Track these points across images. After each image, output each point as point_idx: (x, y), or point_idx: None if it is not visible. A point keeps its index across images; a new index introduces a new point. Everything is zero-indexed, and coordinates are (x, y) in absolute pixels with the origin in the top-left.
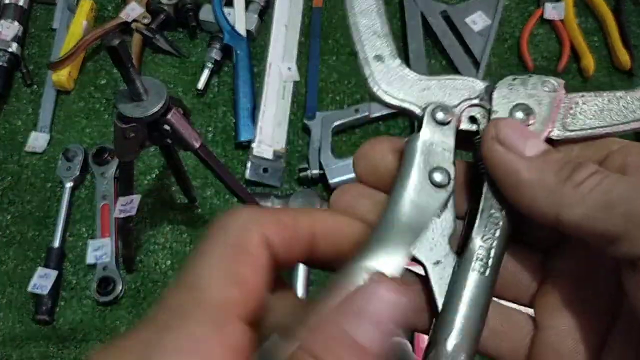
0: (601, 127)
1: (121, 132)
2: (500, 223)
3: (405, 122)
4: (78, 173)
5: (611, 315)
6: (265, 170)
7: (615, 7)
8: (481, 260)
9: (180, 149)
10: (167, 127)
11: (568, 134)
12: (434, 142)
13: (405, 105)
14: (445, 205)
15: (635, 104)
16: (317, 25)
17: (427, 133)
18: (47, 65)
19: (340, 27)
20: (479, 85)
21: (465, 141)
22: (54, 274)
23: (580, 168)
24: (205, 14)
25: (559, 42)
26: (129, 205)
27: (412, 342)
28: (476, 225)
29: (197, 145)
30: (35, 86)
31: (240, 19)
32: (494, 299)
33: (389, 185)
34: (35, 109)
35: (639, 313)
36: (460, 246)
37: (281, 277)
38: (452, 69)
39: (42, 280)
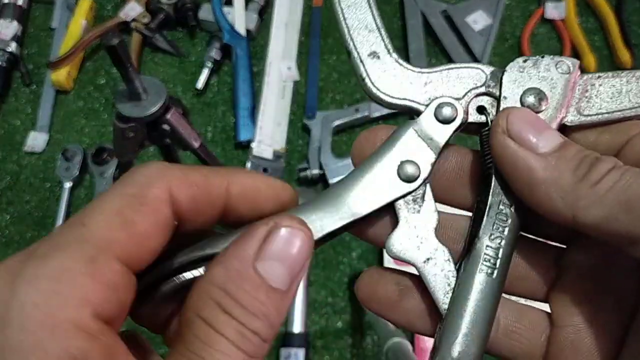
0: (619, 110)
1: (120, 131)
2: (509, 221)
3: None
4: (77, 173)
5: (630, 310)
6: (265, 170)
7: (616, 6)
8: (488, 261)
9: (179, 148)
10: (166, 126)
11: (583, 119)
12: (423, 134)
13: (407, 103)
14: (421, 199)
15: None
16: (317, 24)
17: (421, 124)
18: (46, 64)
19: None
20: (486, 70)
21: (474, 129)
22: None
23: (597, 164)
24: (205, 13)
25: (560, 42)
26: None
27: (412, 342)
28: (483, 223)
29: (196, 145)
30: (34, 86)
31: (239, 18)
32: (506, 296)
33: None
34: (34, 108)
35: None
36: (466, 245)
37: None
38: None
39: None
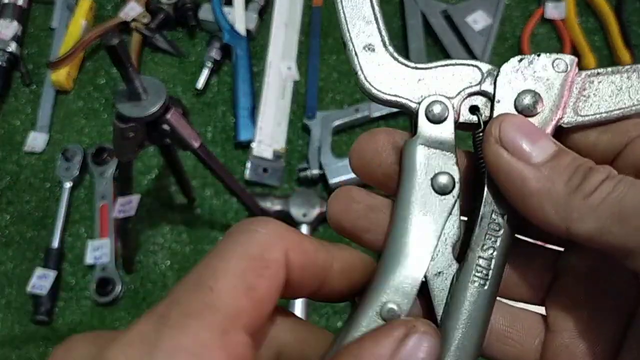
0: (619, 109)
1: (120, 132)
2: (502, 231)
3: (407, 122)
4: (77, 173)
5: (628, 315)
6: (265, 170)
7: (616, 6)
8: (480, 272)
9: (179, 148)
10: (166, 126)
11: (580, 119)
12: (432, 143)
13: (398, 100)
14: (449, 212)
15: None
16: (317, 24)
17: (423, 135)
18: (46, 64)
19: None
20: (483, 68)
21: (468, 128)
22: (52, 274)
23: (591, 174)
24: (205, 13)
25: (560, 42)
26: (128, 205)
27: None
28: (475, 234)
29: (196, 145)
30: (34, 86)
31: (239, 18)
32: (501, 299)
33: (383, 181)
34: (34, 108)
35: None
36: (460, 255)
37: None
38: None
39: (41, 281)
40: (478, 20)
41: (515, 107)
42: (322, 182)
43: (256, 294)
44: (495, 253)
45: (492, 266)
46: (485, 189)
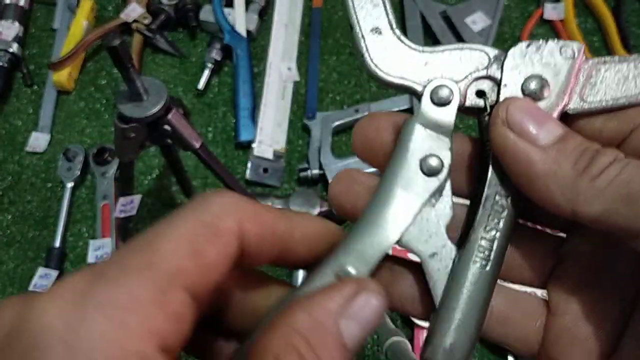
0: (624, 97)
1: (121, 132)
2: (505, 212)
3: None
4: (78, 173)
5: (632, 298)
6: (265, 170)
7: (614, 7)
8: (483, 253)
9: (180, 149)
10: (167, 127)
11: (586, 106)
12: (431, 125)
13: (405, 82)
14: (439, 193)
15: None
16: (317, 25)
17: (424, 116)
18: (48, 65)
19: (340, 27)
20: (490, 53)
21: (473, 113)
22: (54, 274)
23: (598, 157)
24: (206, 14)
25: None
26: (129, 205)
27: (411, 342)
28: (479, 214)
29: (197, 145)
30: (36, 86)
31: (240, 19)
32: (502, 282)
33: (383, 161)
34: (35, 109)
35: None
36: (462, 236)
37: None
38: None
39: (43, 281)
40: (477, 21)
41: (522, 92)
42: (322, 182)
43: (203, 259)
44: (498, 234)
45: (494, 247)
46: (490, 170)
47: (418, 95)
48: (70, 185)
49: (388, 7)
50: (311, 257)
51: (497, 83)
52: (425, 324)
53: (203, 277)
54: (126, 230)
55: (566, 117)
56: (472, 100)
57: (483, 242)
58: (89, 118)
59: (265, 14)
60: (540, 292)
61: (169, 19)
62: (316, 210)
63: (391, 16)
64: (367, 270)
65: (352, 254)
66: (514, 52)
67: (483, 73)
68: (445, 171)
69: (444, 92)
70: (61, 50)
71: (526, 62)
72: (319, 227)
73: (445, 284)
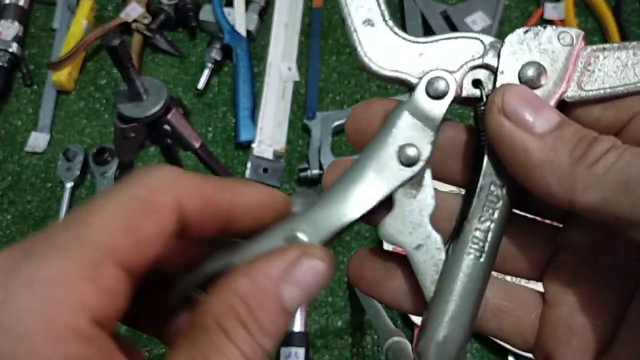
0: (623, 85)
1: (121, 132)
2: (500, 203)
3: None
4: (78, 173)
5: (629, 289)
6: (265, 170)
7: (615, 7)
8: (477, 244)
9: (180, 148)
10: (167, 127)
11: (584, 94)
12: (418, 115)
13: (399, 75)
14: (419, 184)
15: None
16: (317, 25)
17: (414, 104)
18: (47, 65)
19: (340, 26)
20: (485, 41)
21: (470, 103)
22: None
23: (595, 144)
24: (205, 14)
25: None
26: None
27: (411, 342)
28: (473, 205)
29: (197, 145)
30: (36, 86)
31: (240, 19)
32: (496, 274)
33: None
34: (35, 109)
35: None
36: (455, 228)
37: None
38: None
39: None
40: (477, 21)
41: (519, 79)
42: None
43: (138, 234)
44: (492, 225)
45: (488, 238)
46: (485, 160)
47: (413, 88)
48: (70, 185)
49: None
50: (258, 227)
51: (494, 71)
52: None
53: (137, 253)
54: None
55: (564, 105)
56: (468, 90)
57: (477, 233)
58: (88, 118)
59: (265, 14)
60: (535, 286)
61: (168, 18)
62: None
63: (383, 7)
64: (318, 240)
65: (306, 221)
66: (512, 39)
67: (479, 62)
68: (421, 164)
69: (440, 85)
70: (61, 50)
71: (524, 48)
72: (263, 196)
73: (435, 276)
